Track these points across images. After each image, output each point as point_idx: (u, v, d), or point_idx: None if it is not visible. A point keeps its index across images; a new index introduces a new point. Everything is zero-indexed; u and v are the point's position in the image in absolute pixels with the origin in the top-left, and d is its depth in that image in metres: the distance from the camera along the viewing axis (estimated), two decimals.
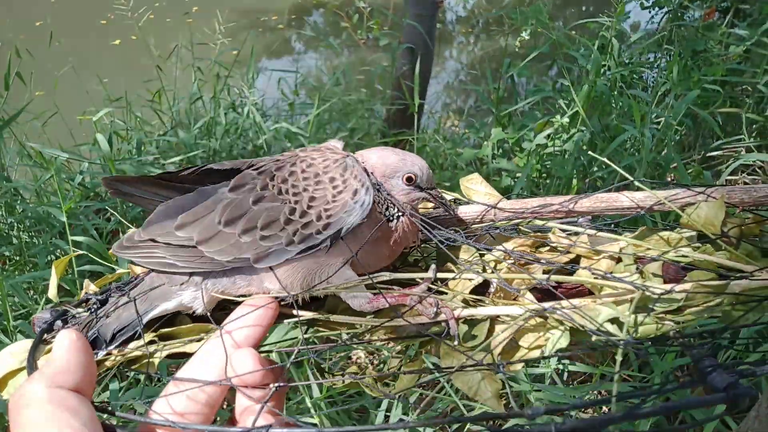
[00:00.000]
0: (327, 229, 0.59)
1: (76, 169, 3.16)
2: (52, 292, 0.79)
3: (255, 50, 3.56)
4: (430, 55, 3.75)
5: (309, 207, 0.59)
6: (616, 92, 3.32)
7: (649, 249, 0.60)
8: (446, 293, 0.60)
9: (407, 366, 0.60)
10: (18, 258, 2.71)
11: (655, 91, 3.27)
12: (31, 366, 0.55)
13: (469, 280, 0.59)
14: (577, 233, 0.65)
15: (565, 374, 2.07)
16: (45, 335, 0.62)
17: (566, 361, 2.03)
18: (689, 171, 3.01)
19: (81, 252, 0.97)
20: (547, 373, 2.05)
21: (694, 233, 0.65)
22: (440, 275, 0.61)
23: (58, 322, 0.65)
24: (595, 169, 3.03)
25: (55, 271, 0.78)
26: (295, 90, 3.62)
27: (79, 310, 0.68)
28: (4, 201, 2.71)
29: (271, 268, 0.59)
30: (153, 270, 0.63)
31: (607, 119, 3.25)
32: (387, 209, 0.64)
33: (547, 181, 3.25)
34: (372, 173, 0.64)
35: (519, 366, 0.54)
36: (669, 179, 2.93)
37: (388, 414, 1.91)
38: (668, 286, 0.55)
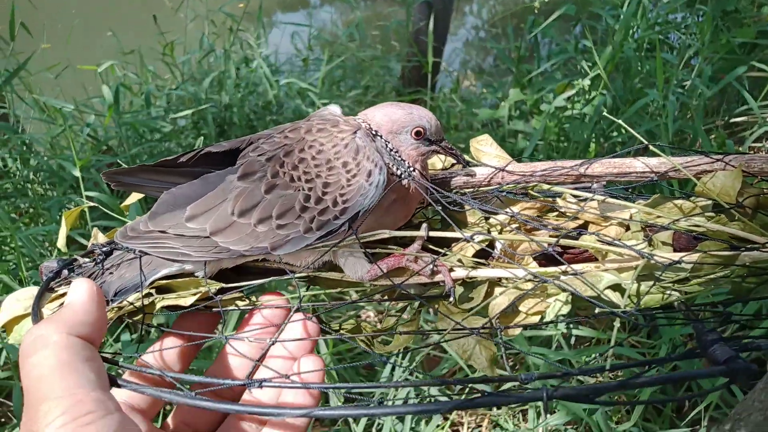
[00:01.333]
0: (344, 213, 0.58)
1: (91, 121, 3.16)
2: (61, 243, 0.79)
3: (269, 3, 3.48)
4: (448, 10, 3.64)
5: (324, 193, 0.58)
6: (642, 54, 3.21)
7: (659, 217, 0.58)
8: (447, 255, 0.59)
9: (404, 326, 0.59)
10: (32, 210, 2.75)
11: (681, 53, 3.15)
12: (36, 313, 0.56)
13: (467, 241, 0.57)
14: (586, 199, 0.63)
15: (573, 339, 2.08)
16: (51, 283, 0.62)
17: (572, 326, 2.03)
18: (712, 136, 2.93)
19: (92, 204, 0.97)
20: (554, 337, 2.06)
21: (709, 203, 0.63)
22: (438, 234, 0.60)
23: (65, 272, 0.65)
24: (615, 134, 2.96)
25: (65, 222, 0.79)
26: (309, 45, 3.55)
27: (86, 260, 0.68)
28: (19, 154, 2.73)
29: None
30: (166, 259, 0.62)
31: (631, 82, 3.15)
32: (397, 168, 0.63)
33: (565, 144, 3.19)
34: (377, 132, 0.62)
35: (517, 330, 0.53)
36: (696, 146, 2.86)
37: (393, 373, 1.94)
38: (675, 255, 0.53)
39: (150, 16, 3.10)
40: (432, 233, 0.60)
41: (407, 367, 1.82)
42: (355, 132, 0.60)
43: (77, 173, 2.24)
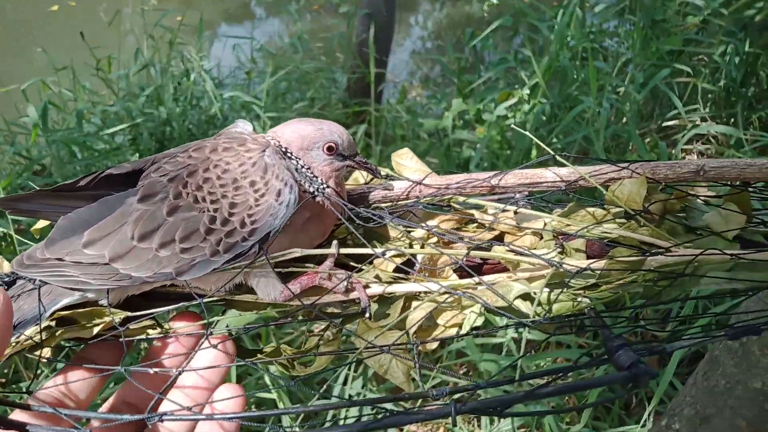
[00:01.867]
0: (253, 234, 0.56)
1: (22, 141, 3.03)
2: None
3: (211, 16, 3.43)
4: (390, 21, 3.67)
5: (231, 214, 0.56)
6: (578, 62, 3.32)
7: (568, 225, 0.60)
8: (362, 271, 0.59)
9: (327, 345, 0.58)
10: None
11: (615, 61, 3.28)
12: None
13: (377, 257, 0.57)
14: (502, 210, 0.64)
15: (523, 343, 2.11)
16: None
17: (521, 330, 2.06)
18: (647, 140, 3.05)
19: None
20: (504, 343, 2.09)
21: (622, 209, 0.65)
22: (351, 251, 0.60)
23: None
24: (554, 140, 3.05)
25: None
26: (251, 57, 3.51)
27: None
28: None
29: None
30: (66, 288, 0.59)
31: (568, 90, 3.26)
32: (310, 185, 0.61)
33: (508, 152, 3.26)
34: (288, 149, 0.61)
35: (434, 344, 0.53)
36: (629, 149, 2.96)
37: (346, 386, 1.92)
38: (585, 262, 0.55)
39: (78, 31, 3.00)
40: (346, 250, 0.60)
41: (364, 379, 1.80)
42: (264, 150, 0.59)
43: None
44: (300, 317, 0.60)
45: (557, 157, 0.62)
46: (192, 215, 0.56)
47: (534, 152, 3.01)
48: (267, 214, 0.56)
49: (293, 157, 0.61)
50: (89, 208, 0.59)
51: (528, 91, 3.23)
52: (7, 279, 0.64)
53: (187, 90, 2.96)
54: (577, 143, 2.95)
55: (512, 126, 3.16)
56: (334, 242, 0.60)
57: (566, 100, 3.20)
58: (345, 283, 0.55)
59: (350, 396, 1.86)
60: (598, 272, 0.54)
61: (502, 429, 1.91)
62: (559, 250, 0.60)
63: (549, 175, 0.63)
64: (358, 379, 1.94)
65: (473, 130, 3.45)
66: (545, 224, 0.62)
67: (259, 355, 0.57)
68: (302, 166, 0.61)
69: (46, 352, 0.55)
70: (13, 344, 0.55)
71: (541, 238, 0.62)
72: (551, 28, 3.35)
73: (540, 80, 3.03)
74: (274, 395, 1.86)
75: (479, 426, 2.06)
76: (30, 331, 0.55)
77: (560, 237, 0.61)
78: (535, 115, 3.08)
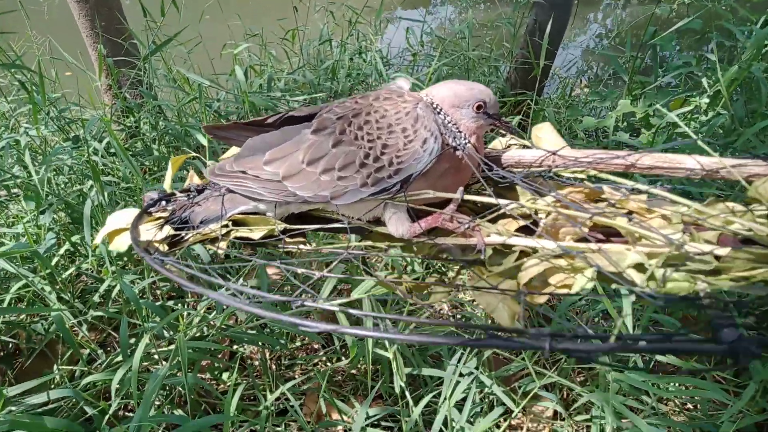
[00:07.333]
0: (398, 174, 0.65)
1: (212, 95, 3.46)
2: (167, 183, 0.93)
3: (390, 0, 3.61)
4: (566, 14, 3.56)
5: (382, 153, 0.65)
6: None
7: (702, 214, 0.60)
8: (484, 218, 0.64)
9: (441, 285, 0.65)
10: (156, 169, 3.07)
11: None
12: (134, 229, 0.68)
13: (500, 209, 0.62)
14: (635, 190, 0.65)
15: (652, 363, 2.00)
16: (150, 209, 0.75)
17: (653, 355, 1.95)
18: None
19: (196, 154, 1.11)
20: (631, 358, 1.99)
21: (765, 209, 0.63)
22: (475, 198, 0.65)
23: (163, 202, 0.77)
24: (728, 156, 2.77)
25: (172, 166, 0.92)
26: (420, 40, 3.63)
27: (182, 195, 0.80)
28: (151, 116, 3.05)
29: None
30: (244, 195, 0.73)
31: (755, 104, 2.93)
32: (454, 138, 0.68)
33: None
34: (439, 105, 0.68)
35: (543, 298, 0.57)
36: None
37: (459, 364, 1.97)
38: (707, 247, 0.55)
39: (274, 2, 3.32)
40: (470, 197, 0.65)
41: (474, 370, 1.84)
42: (417, 103, 0.67)
43: (204, 141, 2.49)
44: (423, 255, 0.68)
45: (699, 143, 0.62)
46: (351, 149, 0.66)
47: None
48: (412, 158, 0.64)
49: (442, 113, 0.68)
50: (272, 134, 0.72)
51: (707, 100, 2.96)
52: (199, 187, 0.79)
53: (359, 67, 3.17)
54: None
55: (679, 135, 2.93)
56: (460, 188, 0.66)
57: (751, 115, 2.88)
58: (467, 225, 0.61)
59: (461, 373, 1.90)
60: (722, 259, 0.53)
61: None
62: (686, 234, 0.60)
63: (689, 161, 0.63)
64: (472, 360, 1.98)
65: (637, 134, 3.25)
66: (674, 212, 0.62)
67: (384, 277, 0.65)
68: (449, 122, 0.68)
69: (223, 245, 0.69)
70: (201, 234, 0.70)
71: (670, 222, 0.62)
72: (748, 33, 3.02)
73: (723, 89, 2.76)
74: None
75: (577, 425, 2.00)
76: (213, 226, 0.69)
77: (692, 226, 0.61)
78: (710, 126, 2.81)
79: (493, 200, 0.62)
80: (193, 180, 0.85)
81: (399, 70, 3.56)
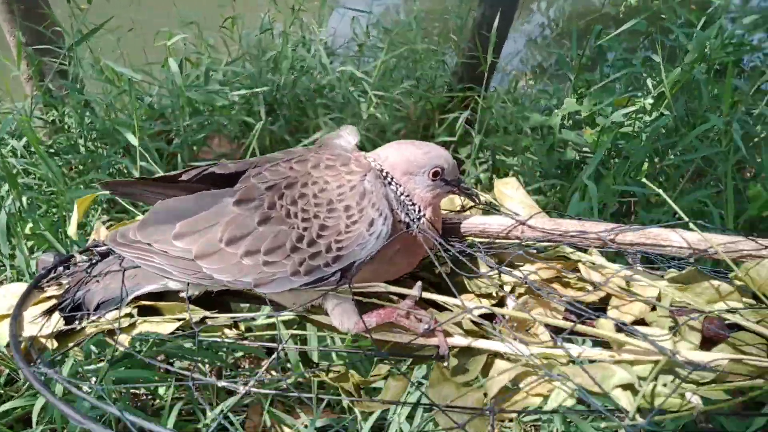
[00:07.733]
0: (337, 262, 0.54)
1: (146, 87, 3.22)
2: (72, 230, 0.79)
3: None
4: (513, 8, 3.52)
5: (319, 236, 0.54)
6: (711, 76, 3.03)
7: (686, 299, 0.53)
8: (450, 311, 0.55)
9: (396, 379, 0.56)
10: (82, 167, 2.83)
11: (754, 79, 2.95)
12: (16, 315, 0.55)
13: (466, 313, 0.53)
14: (618, 269, 0.58)
15: None
16: (42, 281, 0.62)
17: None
18: None
19: (104, 192, 0.97)
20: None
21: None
22: (434, 297, 0.56)
23: (60, 268, 0.64)
24: (672, 157, 2.81)
25: (77, 209, 0.78)
26: (366, 31, 3.50)
27: (83, 257, 0.67)
28: (76, 111, 2.81)
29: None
30: (152, 272, 0.60)
31: (696, 105, 2.98)
32: (407, 214, 0.58)
33: (616, 161, 3.06)
34: (390, 174, 0.58)
35: (512, 414, 0.49)
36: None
37: None
38: (701, 355, 0.48)
39: None
40: (430, 296, 0.56)
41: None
42: (365, 174, 0.56)
43: (134, 140, 2.29)
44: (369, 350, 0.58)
45: (691, 225, 0.54)
46: (281, 229, 0.55)
47: (645, 165, 2.80)
48: (355, 244, 0.53)
49: (394, 183, 0.58)
50: (186, 199, 0.60)
51: (651, 101, 2.99)
52: (102, 250, 0.66)
53: (302, 58, 3.02)
54: (695, 163, 2.71)
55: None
56: (418, 283, 0.56)
57: (692, 115, 2.93)
58: (426, 326, 0.52)
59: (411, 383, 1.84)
60: (718, 371, 0.47)
61: None
62: (672, 325, 0.53)
63: (675, 238, 0.56)
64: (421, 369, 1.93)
65: (582, 132, 3.26)
66: (660, 293, 0.55)
67: (327, 375, 0.56)
68: (401, 193, 0.58)
69: (125, 340, 0.57)
70: (97, 325, 0.57)
71: (653, 309, 0.55)
72: (689, 35, 3.06)
73: (666, 90, 2.78)
74: None
75: None
76: (111, 315, 0.57)
77: (675, 312, 0.54)
78: (654, 127, 2.84)
79: (456, 301, 0.53)
80: (100, 234, 0.71)
81: (344, 62, 3.43)
